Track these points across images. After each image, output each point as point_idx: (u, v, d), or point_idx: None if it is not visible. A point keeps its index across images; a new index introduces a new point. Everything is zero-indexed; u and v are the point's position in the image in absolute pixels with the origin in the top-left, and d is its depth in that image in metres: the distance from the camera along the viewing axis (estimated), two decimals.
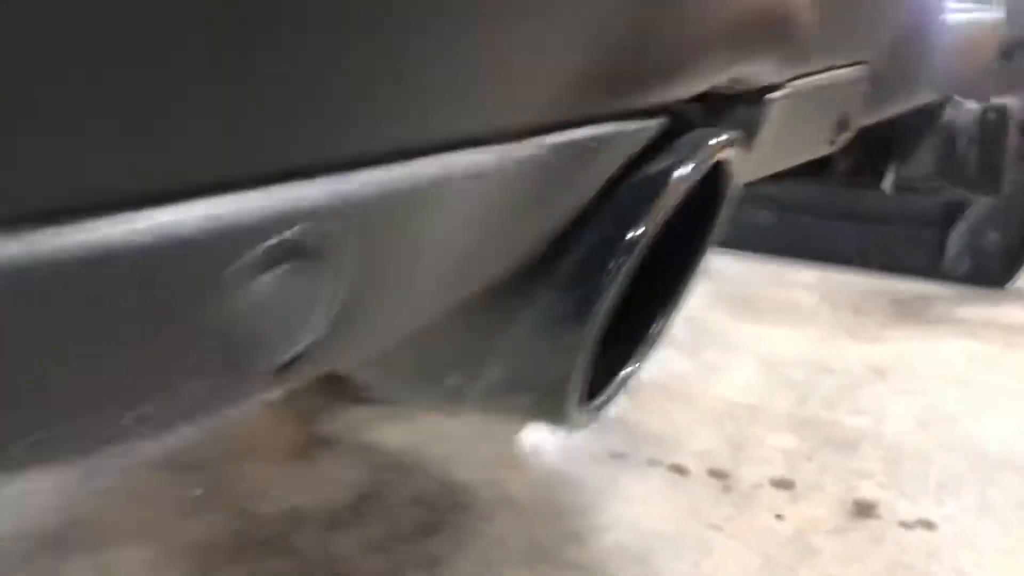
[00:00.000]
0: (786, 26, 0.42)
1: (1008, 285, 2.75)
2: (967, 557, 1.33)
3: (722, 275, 2.85)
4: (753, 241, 3.22)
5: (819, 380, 1.98)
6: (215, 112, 0.23)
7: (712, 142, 0.37)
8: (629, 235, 0.33)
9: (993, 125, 0.79)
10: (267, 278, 0.24)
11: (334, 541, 1.36)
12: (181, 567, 1.32)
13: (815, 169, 1.00)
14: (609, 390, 0.41)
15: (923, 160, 0.81)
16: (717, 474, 1.56)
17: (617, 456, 1.62)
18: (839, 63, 0.48)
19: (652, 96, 0.34)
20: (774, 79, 0.43)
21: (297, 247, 0.25)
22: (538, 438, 1.69)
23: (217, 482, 1.54)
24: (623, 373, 0.40)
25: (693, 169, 0.35)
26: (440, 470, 1.57)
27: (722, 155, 0.37)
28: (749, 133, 0.44)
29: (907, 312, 2.52)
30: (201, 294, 0.24)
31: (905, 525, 1.41)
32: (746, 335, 2.27)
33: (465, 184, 0.27)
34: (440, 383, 0.39)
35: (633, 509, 1.45)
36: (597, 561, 1.32)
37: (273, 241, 0.24)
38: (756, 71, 0.42)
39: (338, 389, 1.88)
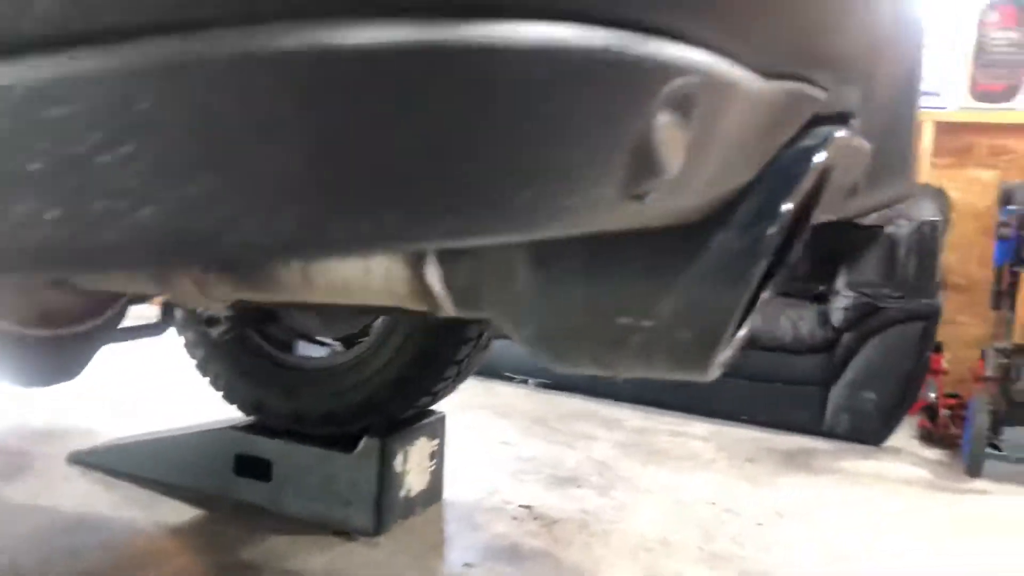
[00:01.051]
0: (873, 69, 0.51)
1: (883, 443, 2.97)
2: None
3: (624, 426, 2.97)
4: (651, 396, 3.38)
5: (725, 519, 2.08)
6: None
7: (837, 135, 0.45)
8: (796, 186, 0.41)
9: (928, 237, 0.93)
10: (664, 117, 0.32)
11: None
12: None
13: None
14: (733, 344, 0.47)
15: (869, 266, 0.94)
16: None
17: None
18: (866, 132, 0.57)
19: (832, 73, 0.43)
20: (854, 108, 0.51)
21: (681, 97, 0.32)
22: (463, 571, 1.70)
23: None
24: (740, 335, 0.47)
25: (827, 155, 0.43)
26: None
27: (838, 152, 0.45)
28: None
29: (795, 463, 2.67)
30: (628, 112, 0.31)
31: None
32: (653, 479, 2.36)
33: (745, 93, 0.35)
34: (611, 324, 0.44)
35: None
36: None
37: (675, 84, 0.31)
38: (852, 94, 0.50)
39: (258, 516, 1.85)
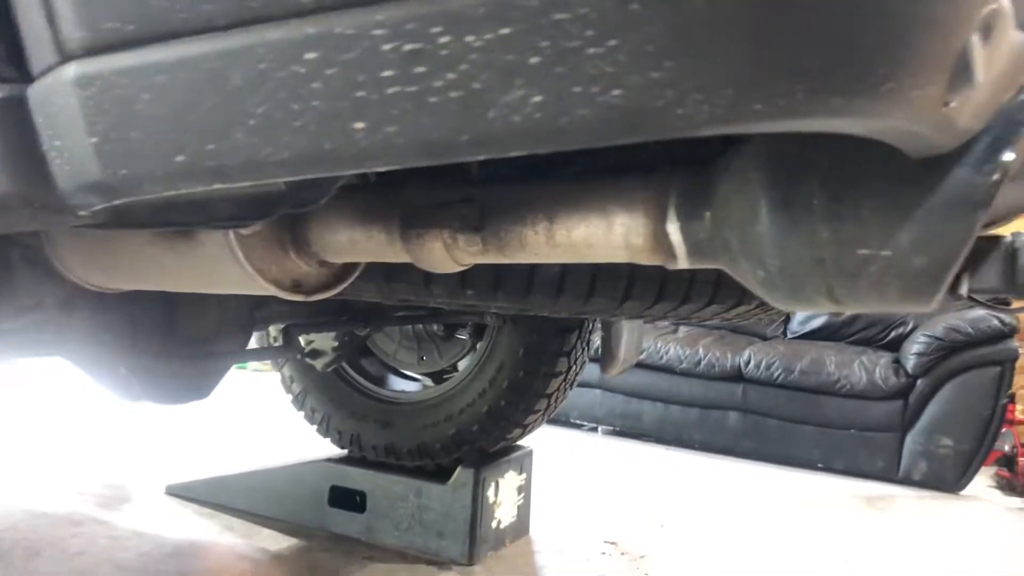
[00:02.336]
0: None
1: (961, 491, 2.93)
2: None
3: (699, 471, 2.97)
4: (721, 443, 3.38)
5: (802, 562, 2.08)
6: None
7: None
8: (1018, 132, 0.46)
9: None
10: (976, 37, 0.40)
11: None
12: None
13: None
14: (955, 277, 0.52)
15: (990, 274, 0.97)
16: None
17: None
18: None
19: None
20: None
21: (987, 22, 0.41)
22: None
23: None
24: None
25: None
26: None
27: None
28: None
29: (875, 508, 2.65)
30: (955, 33, 0.40)
31: None
32: (732, 521, 2.36)
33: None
34: (851, 256, 0.49)
35: None
36: None
37: (984, 11, 0.40)
38: None
39: (354, 546, 1.90)
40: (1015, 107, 0.48)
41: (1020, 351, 3.00)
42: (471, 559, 1.86)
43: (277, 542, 1.92)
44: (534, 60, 0.40)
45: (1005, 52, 0.43)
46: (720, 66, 0.38)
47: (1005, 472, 3.07)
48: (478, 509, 1.87)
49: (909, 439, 3.01)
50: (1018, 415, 3.54)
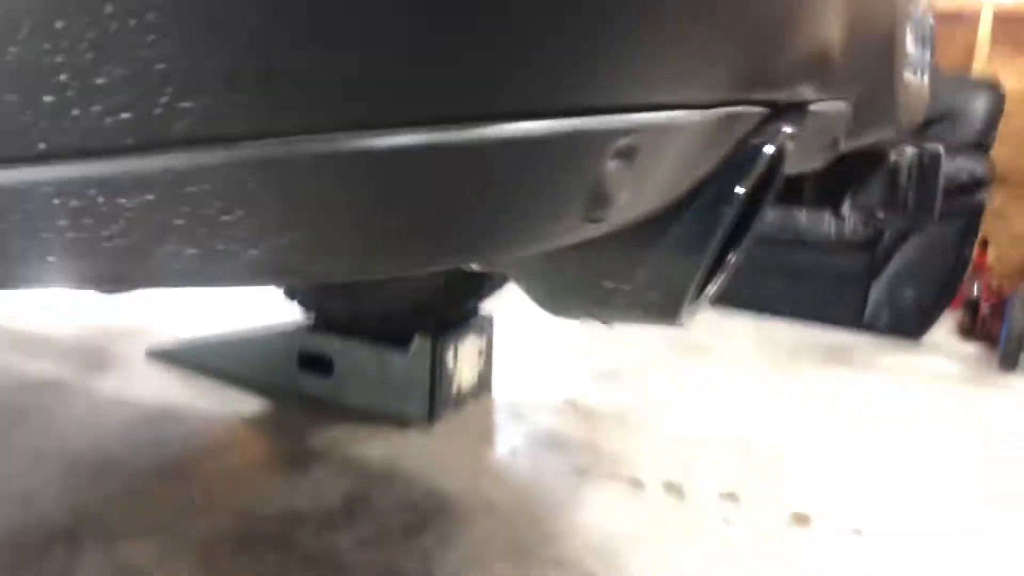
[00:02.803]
0: (828, 65, 0.61)
1: (922, 338, 3.03)
2: (888, 561, 1.53)
3: None
4: None
5: (762, 412, 2.19)
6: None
7: (784, 130, 0.54)
8: (738, 187, 0.51)
9: (929, 165, 1.00)
10: (612, 164, 0.43)
11: (330, 538, 1.49)
12: (188, 560, 1.43)
13: (792, 195, 1.22)
14: (701, 300, 0.58)
15: (872, 193, 1.01)
16: (671, 488, 1.74)
17: (581, 471, 1.79)
18: (839, 98, 0.67)
19: (772, 93, 0.53)
20: (810, 98, 0.61)
21: (626, 149, 0.42)
22: (510, 456, 1.85)
23: (217, 487, 1.65)
24: (709, 290, 0.57)
25: (775, 148, 0.52)
26: (423, 479, 1.72)
27: (787, 142, 0.54)
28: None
29: (836, 358, 2.76)
30: (584, 167, 0.42)
31: (840, 532, 1.61)
32: (692, 374, 2.48)
33: (685, 128, 0.44)
34: (599, 287, 0.57)
35: (597, 515, 1.62)
36: (572, 558, 1.48)
37: (620, 142, 0.42)
38: (804, 91, 0.61)
39: (321, 408, 2.02)
40: (742, 153, 0.51)
41: (993, 199, 3.03)
42: (431, 419, 1.98)
43: (251, 406, 2.03)
44: (179, 222, 0.44)
45: (679, 146, 0.46)
46: (335, 237, 0.42)
47: (966, 318, 3.16)
48: (437, 373, 1.97)
49: (874, 288, 3.09)
50: (989, 260, 3.60)
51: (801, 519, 1.65)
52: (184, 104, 0.39)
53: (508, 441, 1.94)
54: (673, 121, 0.45)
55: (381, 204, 0.40)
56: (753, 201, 0.54)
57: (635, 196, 0.46)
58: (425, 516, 1.58)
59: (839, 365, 2.69)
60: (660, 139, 0.45)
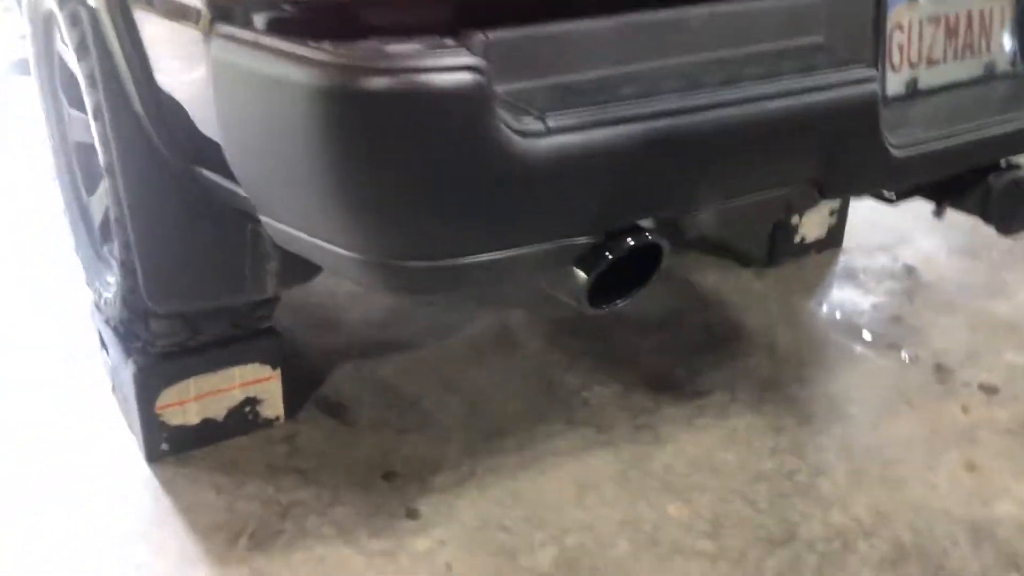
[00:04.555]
0: None
1: None
2: None
3: None
4: None
5: None
6: None
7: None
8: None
9: None
10: None
11: (635, 340, 2.03)
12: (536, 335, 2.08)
13: None
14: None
15: (969, 202, 1.27)
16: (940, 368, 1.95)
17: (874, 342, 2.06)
18: None
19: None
20: None
21: None
22: (818, 310, 2.19)
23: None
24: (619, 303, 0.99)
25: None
26: (733, 312, 2.16)
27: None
28: None
29: None
30: None
31: None
32: None
33: None
34: None
35: (855, 375, 1.92)
36: (804, 398, 1.84)
37: None
38: None
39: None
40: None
41: None
42: (769, 264, 2.36)
43: None
44: None
45: None
46: None
47: None
48: (780, 224, 2.31)
49: None
50: None
51: None
52: None
53: (826, 297, 2.25)
54: None
55: None
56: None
57: None
58: (715, 340, 2.04)
59: None
60: None
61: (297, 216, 0.92)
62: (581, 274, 0.92)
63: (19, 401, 1.78)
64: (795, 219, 2.33)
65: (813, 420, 1.77)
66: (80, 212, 1.78)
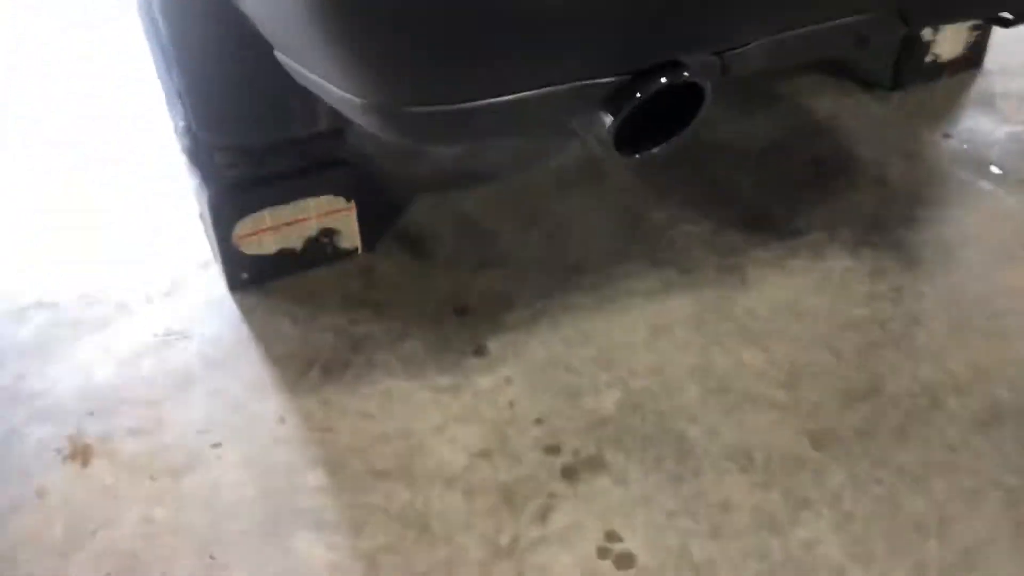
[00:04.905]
0: None
1: None
2: None
3: None
4: None
5: None
6: None
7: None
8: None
9: None
10: None
11: (729, 174, 1.90)
12: None
13: None
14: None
15: None
16: None
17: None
18: None
19: None
20: None
21: None
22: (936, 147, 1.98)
23: None
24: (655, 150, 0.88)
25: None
26: (844, 142, 1.98)
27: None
28: None
29: None
30: None
31: None
32: None
33: None
34: None
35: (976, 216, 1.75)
36: (926, 239, 1.69)
37: None
38: None
39: None
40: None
41: None
42: (893, 86, 2.12)
43: None
44: None
45: None
46: None
47: None
48: (909, 40, 2.05)
49: None
50: None
51: None
52: None
53: (955, 126, 2.02)
54: None
55: None
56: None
57: None
58: (821, 174, 1.88)
59: None
60: None
61: (301, 53, 0.85)
62: (607, 117, 0.82)
63: (115, 220, 1.83)
64: (927, 33, 2.07)
65: (919, 265, 1.63)
66: (156, 36, 1.75)
